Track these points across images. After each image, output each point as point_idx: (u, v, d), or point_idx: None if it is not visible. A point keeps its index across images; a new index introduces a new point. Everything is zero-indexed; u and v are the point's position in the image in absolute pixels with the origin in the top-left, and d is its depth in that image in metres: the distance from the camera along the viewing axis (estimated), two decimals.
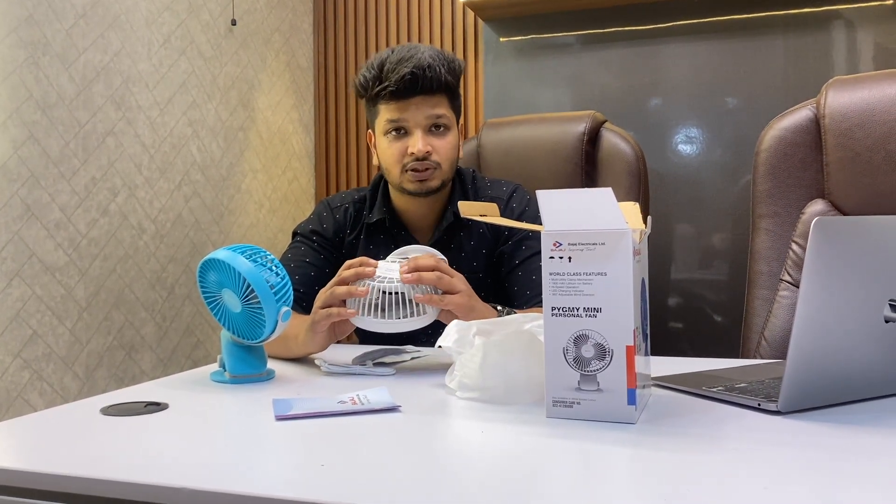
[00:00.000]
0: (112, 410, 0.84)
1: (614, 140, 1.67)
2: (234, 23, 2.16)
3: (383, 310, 1.02)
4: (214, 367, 1.09)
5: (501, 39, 2.32)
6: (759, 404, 0.79)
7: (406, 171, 1.29)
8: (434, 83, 1.26)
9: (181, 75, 1.97)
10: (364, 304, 1.02)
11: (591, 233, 0.75)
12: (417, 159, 1.28)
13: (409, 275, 1.02)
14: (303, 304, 1.29)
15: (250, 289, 0.97)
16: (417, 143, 1.27)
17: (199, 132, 2.04)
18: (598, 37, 2.21)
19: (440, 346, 0.91)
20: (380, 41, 2.49)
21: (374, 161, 1.37)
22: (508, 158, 1.72)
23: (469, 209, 0.91)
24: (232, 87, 2.17)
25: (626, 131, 1.72)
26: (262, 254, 1.01)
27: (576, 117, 1.71)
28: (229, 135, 2.16)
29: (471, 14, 2.35)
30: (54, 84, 1.62)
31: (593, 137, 1.68)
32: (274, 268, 1.00)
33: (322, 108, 2.58)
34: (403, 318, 1.03)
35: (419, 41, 2.39)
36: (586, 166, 1.66)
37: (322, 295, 1.07)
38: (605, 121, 1.72)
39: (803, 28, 2.02)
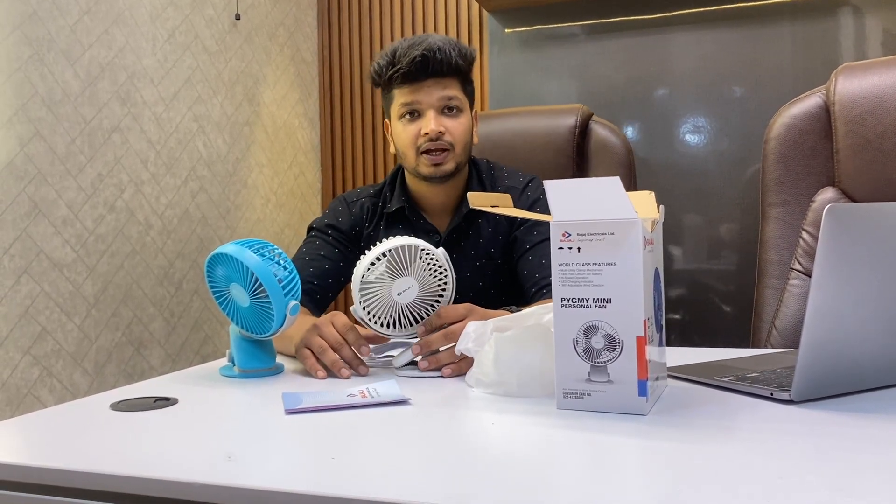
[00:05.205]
0: (121, 406, 0.84)
1: (603, 133, 1.70)
2: (237, 17, 2.16)
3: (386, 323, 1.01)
4: (223, 361, 1.09)
5: (506, 30, 2.31)
6: (771, 394, 0.78)
7: (421, 153, 1.30)
8: (445, 66, 1.29)
9: (186, 70, 1.97)
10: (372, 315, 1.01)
11: (601, 222, 0.74)
12: (431, 139, 1.29)
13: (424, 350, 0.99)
14: (316, 296, 1.30)
15: (258, 283, 0.96)
16: (430, 122, 1.29)
17: (204, 127, 2.04)
18: (604, 26, 2.20)
19: (459, 351, 0.91)
20: (384, 34, 2.48)
21: (391, 149, 1.39)
22: (497, 150, 1.72)
23: (479, 200, 0.90)
24: (237, 81, 2.17)
25: (613, 124, 1.74)
26: (270, 248, 1.00)
27: (565, 110, 1.72)
28: (235, 130, 2.16)
29: (475, 5, 2.34)
30: (59, 80, 1.61)
31: (583, 130, 1.70)
32: (282, 262, 1.00)
33: (327, 102, 2.57)
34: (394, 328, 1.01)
35: (424, 33, 2.38)
36: (577, 158, 1.68)
37: (319, 341, 1.01)
38: (593, 114, 1.73)
39: (811, 15, 2.00)
